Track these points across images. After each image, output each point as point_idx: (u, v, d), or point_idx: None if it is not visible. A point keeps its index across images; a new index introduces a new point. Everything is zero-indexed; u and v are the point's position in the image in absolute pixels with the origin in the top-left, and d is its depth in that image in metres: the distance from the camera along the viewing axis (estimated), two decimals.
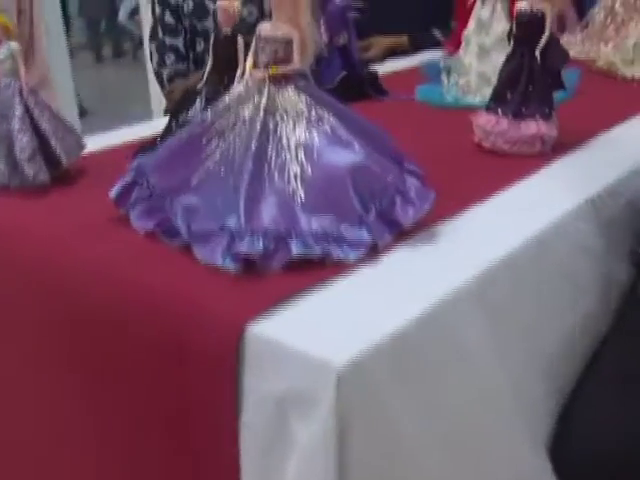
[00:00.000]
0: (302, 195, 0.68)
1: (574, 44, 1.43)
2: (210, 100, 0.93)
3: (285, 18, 0.70)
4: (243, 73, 0.86)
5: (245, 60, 0.88)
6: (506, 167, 0.90)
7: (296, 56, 0.71)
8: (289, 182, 0.69)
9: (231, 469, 0.60)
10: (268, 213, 0.67)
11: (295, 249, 0.65)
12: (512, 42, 0.93)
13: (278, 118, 0.71)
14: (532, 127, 0.92)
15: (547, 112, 0.93)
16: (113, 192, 0.76)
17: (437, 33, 1.66)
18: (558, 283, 0.76)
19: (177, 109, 1.00)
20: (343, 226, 0.68)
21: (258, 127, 0.70)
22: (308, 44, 0.71)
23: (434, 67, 1.29)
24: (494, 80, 0.99)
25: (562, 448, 0.77)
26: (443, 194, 0.72)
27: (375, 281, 0.64)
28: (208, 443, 0.63)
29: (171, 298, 0.65)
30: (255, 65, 0.73)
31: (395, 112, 1.17)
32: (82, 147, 0.94)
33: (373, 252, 0.68)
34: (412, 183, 0.71)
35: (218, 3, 0.95)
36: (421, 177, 0.73)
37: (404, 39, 1.74)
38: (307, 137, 0.70)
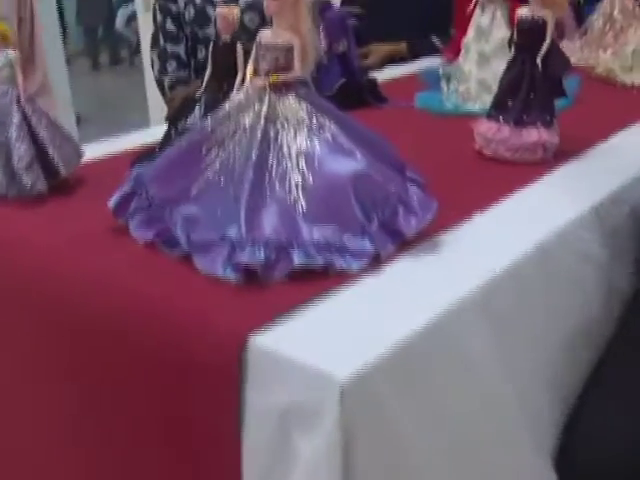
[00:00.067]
0: (303, 204, 0.67)
1: (573, 51, 1.43)
2: (209, 108, 0.93)
3: (286, 25, 0.70)
4: (242, 80, 0.86)
5: (245, 67, 0.87)
6: (508, 175, 0.90)
7: (297, 63, 0.70)
8: (290, 191, 0.68)
9: None
10: (269, 223, 0.66)
11: (297, 259, 0.64)
12: (513, 49, 0.93)
13: (279, 126, 0.70)
14: (534, 134, 0.91)
15: (548, 119, 0.92)
16: (112, 202, 0.75)
17: (436, 40, 1.66)
18: (562, 292, 0.75)
19: (176, 117, 0.99)
20: (345, 236, 0.67)
21: (259, 135, 0.69)
22: (309, 51, 0.71)
23: (433, 74, 1.28)
24: (494, 87, 0.99)
25: (567, 458, 0.76)
26: (445, 202, 0.72)
27: (378, 292, 0.64)
28: (209, 456, 0.62)
29: (171, 309, 0.64)
30: (255, 72, 0.72)
31: (395, 119, 1.17)
32: (80, 156, 0.93)
33: (375, 262, 0.67)
34: (414, 192, 0.71)
35: (217, 10, 0.94)
36: (423, 186, 0.72)
37: (403, 46, 1.73)
38: (308, 145, 0.69)
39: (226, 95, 0.89)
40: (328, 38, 1.21)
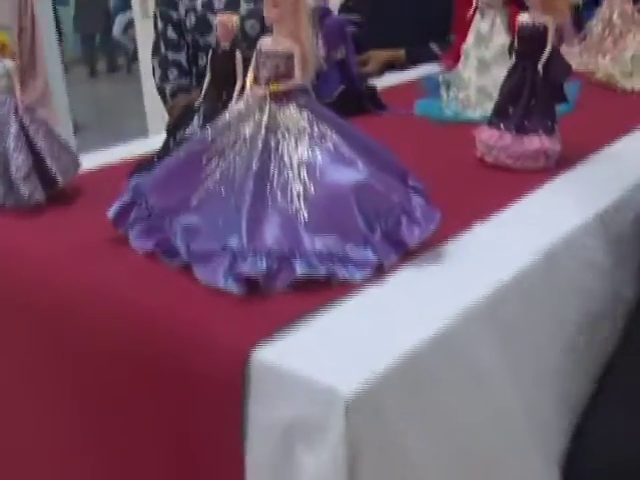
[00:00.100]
0: (305, 214, 0.67)
1: (572, 56, 1.42)
2: (208, 117, 0.92)
3: (286, 32, 0.69)
4: (242, 89, 0.85)
5: (244, 75, 0.86)
6: (510, 182, 0.89)
7: (297, 71, 0.69)
8: (292, 201, 0.67)
9: None
10: (271, 233, 0.66)
11: (299, 269, 0.64)
12: (514, 56, 0.92)
13: (280, 136, 0.69)
14: (535, 142, 0.91)
15: (550, 126, 0.92)
16: (111, 212, 0.74)
17: (434, 47, 1.66)
18: (567, 300, 0.75)
19: (175, 126, 0.98)
20: (348, 246, 0.66)
21: (259, 145, 0.69)
22: (309, 59, 0.70)
23: (433, 81, 1.28)
24: (494, 94, 0.98)
25: (575, 465, 0.76)
26: (448, 211, 0.71)
27: (382, 302, 0.63)
28: (212, 472, 0.61)
29: (172, 320, 0.63)
30: (256, 81, 0.72)
31: (394, 127, 1.16)
32: (78, 166, 0.92)
33: (379, 272, 0.66)
34: (417, 202, 0.70)
35: (217, 18, 0.94)
36: (426, 195, 0.71)
37: (401, 53, 1.73)
38: (310, 155, 0.68)
39: (225, 104, 0.89)
40: (327, 45, 1.21)
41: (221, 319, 0.61)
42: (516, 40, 0.92)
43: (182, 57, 1.72)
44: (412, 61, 1.67)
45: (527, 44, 0.90)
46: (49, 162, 0.86)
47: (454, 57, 1.32)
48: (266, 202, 0.67)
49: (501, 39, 1.15)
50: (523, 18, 0.90)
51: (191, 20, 1.67)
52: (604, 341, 0.81)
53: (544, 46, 0.89)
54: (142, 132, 3.19)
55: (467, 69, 1.19)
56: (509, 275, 0.67)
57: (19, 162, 0.84)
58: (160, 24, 1.73)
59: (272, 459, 0.56)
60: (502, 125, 0.93)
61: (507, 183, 0.89)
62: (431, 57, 1.62)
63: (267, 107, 0.70)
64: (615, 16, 1.41)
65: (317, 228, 0.66)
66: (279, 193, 0.68)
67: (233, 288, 0.63)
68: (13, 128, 0.84)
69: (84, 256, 0.74)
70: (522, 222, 0.78)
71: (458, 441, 0.61)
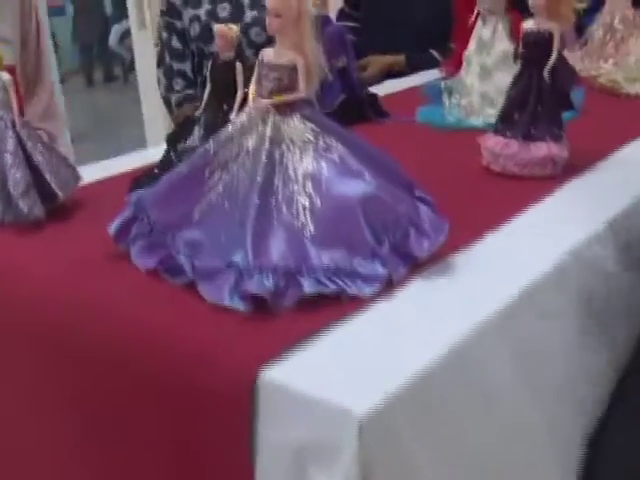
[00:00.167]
0: (312, 228, 0.65)
1: (573, 61, 1.41)
2: (209, 128, 0.91)
3: (289, 44, 0.68)
4: (243, 100, 0.84)
5: (245, 86, 0.85)
6: (517, 190, 0.88)
7: (301, 83, 0.68)
8: (297, 215, 0.65)
9: None
10: (277, 248, 0.64)
11: (307, 288, 0.62)
12: (519, 63, 0.91)
13: (284, 148, 0.68)
14: (543, 149, 0.89)
15: (557, 133, 0.90)
16: (112, 228, 0.73)
17: (435, 53, 1.65)
18: (580, 310, 0.73)
19: (175, 137, 0.97)
20: (356, 260, 0.64)
21: (263, 158, 0.67)
22: (313, 70, 0.69)
23: (435, 88, 1.27)
24: (497, 100, 0.97)
25: (593, 475, 0.74)
26: (455, 221, 0.70)
27: (393, 318, 0.61)
28: None
29: (176, 338, 0.62)
30: (258, 93, 0.70)
31: (397, 135, 1.15)
32: (78, 179, 0.91)
33: (388, 286, 0.65)
34: (425, 213, 0.69)
35: (216, 28, 0.93)
36: (433, 206, 0.70)
37: (401, 58, 1.72)
38: (315, 167, 0.67)
39: (226, 114, 0.87)
40: (327, 54, 1.19)
41: (228, 337, 0.60)
42: (521, 46, 0.90)
43: (187, 67, 1.71)
44: (412, 67, 1.66)
45: (532, 50, 0.89)
46: (48, 177, 0.85)
47: (454, 63, 1.31)
48: (271, 216, 0.66)
49: (503, 45, 1.14)
50: (528, 24, 0.89)
51: (195, 29, 1.66)
52: (619, 349, 0.80)
53: (549, 52, 0.88)
54: (140, 140, 3.19)
55: (469, 75, 1.18)
56: (520, 288, 0.66)
57: (17, 178, 0.82)
58: (164, 34, 1.72)
59: None
60: (508, 132, 0.91)
61: (515, 191, 0.88)
62: (432, 63, 1.61)
63: (270, 119, 0.69)
64: (616, 21, 1.40)
65: (324, 242, 0.65)
66: (284, 206, 0.66)
67: (239, 306, 0.62)
68: (10, 144, 0.83)
69: (85, 273, 0.73)
70: (532, 232, 0.77)
71: (474, 460, 0.60)
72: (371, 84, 1.48)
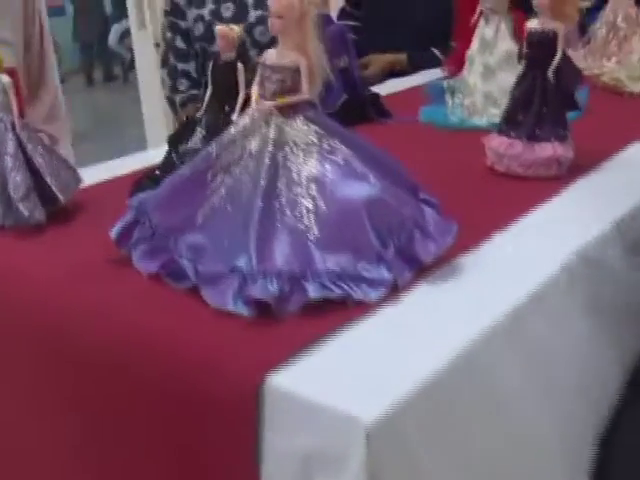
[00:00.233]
0: (316, 232, 0.64)
1: (576, 60, 1.40)
2: (210, 129, 0.90)
3: (292, 45, 0.67)
4: (245, 101, 0.83)
5: (246, 87, 0.84)
6: (522, 191, 0.87)
7: (305, 85, 0.67)
8: (301, 218, 0.65)
9: None
10: (281, 252, 0.63)
11: (312, 293, 0.61)
12: (523, 62, 0.90)
13: (287, 150, 0.67)
14: (547, 149, 0.89)
15: (562, 133, 0.90)
16: (114, 232, 0.72)
17: (436, 52, 1.64)
18: (588, 312, 0.72)
19: (176, 139, 0.96)
20: (361, 264, 0.64)
21: (266, 161, 0.66)
22: (316, 72, 0.68)
23: (437, 87, 1.26)
24: (500, 100, 0.96)
25: (604, 474, 0.73)
26: (461, 223, 0.69)
27: (399, 323, 0.60)
28: None
29: (179, 344, 0.61)
30: (261, 95, 0.69)
31: (400, 135, 1.14)
32: (79, 181, 0.90)
33: (394, 291, 0.64)
34: (430, 216, 0.68)
35: (217, 29, 0.92)
36: (438, 208, 0.69)
37: (403, 57, 1.71)
38: (319, 170, 0.66)
39: (228, 116, 0.86)
40: (329, 54, 1.18)
41: (232, 343, 0.59)
42: (525, 46, 0.89)
43: (191, 67, 1.71)
44: (414, 65, 1.66)
45: (536, 50, 0.88)
46: (49, 180, 0.84)
47: (456, 62, 1.30)
48: (275, 219, 0.65)
49: (506, 45, 1.13)
50: (532, 24, 0.88)
51: (199, 29, 1.65)
52: (628, 348, 0.79)
53: (554, 52, 0.87)
54: (140, 139, 3.18)
55: (472, 75, 1.17)
56: (528, 290, 0.65)
57: (17, 182, 0.81)
58: (169, 34, 1.71)
59: None
60: (512, 133, 0.91)
61: (520, 192, 0.87)
62: (433, 62, 1.60)
63: (273, 121, 0.68)
64: (619, 19, 1.39)
65: (328, 245, 0.64)
66: (288, 210, 0.65)
67: (243, 311, 0.61)
68: (10, 147, 0.82)
69: (86, 277, 0.72)
70: (538, 233, 0.76)
71: (481, 466, 0.59)
72: (373, 83, 1.48)
